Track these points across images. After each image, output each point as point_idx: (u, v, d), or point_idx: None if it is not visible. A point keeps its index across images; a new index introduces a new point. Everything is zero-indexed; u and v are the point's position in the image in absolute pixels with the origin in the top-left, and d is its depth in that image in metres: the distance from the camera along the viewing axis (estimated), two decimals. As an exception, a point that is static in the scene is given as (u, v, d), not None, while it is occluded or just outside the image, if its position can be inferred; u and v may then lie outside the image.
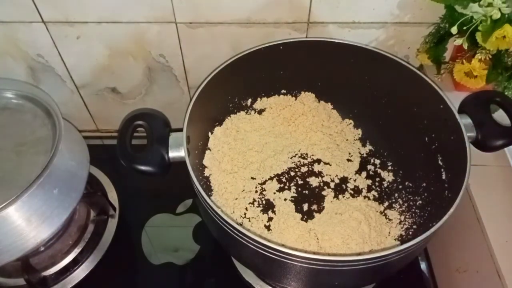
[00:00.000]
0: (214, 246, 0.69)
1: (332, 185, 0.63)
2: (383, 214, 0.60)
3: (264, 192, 0.62)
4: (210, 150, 0.62)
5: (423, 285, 0.64)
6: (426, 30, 0.64)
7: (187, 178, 0.49)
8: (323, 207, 0.60)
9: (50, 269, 0.65)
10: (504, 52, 0.57)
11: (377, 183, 0.64)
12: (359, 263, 0.42)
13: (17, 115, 0.63)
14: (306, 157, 0.66)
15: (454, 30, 0.57)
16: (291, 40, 0.61)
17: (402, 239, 0.57)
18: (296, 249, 0.42)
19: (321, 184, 0.63)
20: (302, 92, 0.68)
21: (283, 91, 0.68)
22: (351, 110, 0.69)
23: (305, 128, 0.67)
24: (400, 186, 0.63)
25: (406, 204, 0.61)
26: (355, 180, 0.64)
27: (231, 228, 0.45)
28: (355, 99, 0.66)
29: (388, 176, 0.64)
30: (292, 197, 0.62)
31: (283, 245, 0.42)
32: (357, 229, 0.56)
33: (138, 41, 0.67)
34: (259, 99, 0.68)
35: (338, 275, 0.46)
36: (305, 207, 0.60)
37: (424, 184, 0.60)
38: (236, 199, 0.60)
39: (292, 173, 0.64)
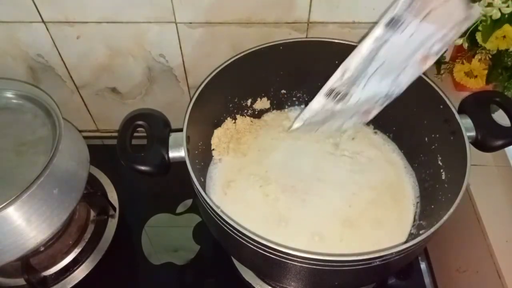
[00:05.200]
0: (214, 246, 0.69)
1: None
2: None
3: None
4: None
5: (423, 285, 0.64)
6: (426, 30, 0.64)
7: (187, 178, 0.49)
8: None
9: (50, 269, 0.65)
10: (504, 52, 0.57)
11: (377, 183, 0.63)
12: (359, 263, 0.42)
13: (17, 115, 0.63)
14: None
15: (454, 30, 0.57)
16: (291, 40, 0.61)
17: (402, 239, 0.57)
18: (296, 249, 0.42)
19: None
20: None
21: (283, 91, 0.68)
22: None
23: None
24: (400, 186, 0.63)
25: (406, 204, 0.60)
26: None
27: (231, 228, 0.45)
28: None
29: (388, 176, 0.64)
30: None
31: (283, 246, 0.42)
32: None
33: (138, 41, 0.67)
34: (259, 99, 0.68)
35: (338, 275, 0.46)
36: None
37: (425, 185, 0.60)
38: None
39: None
